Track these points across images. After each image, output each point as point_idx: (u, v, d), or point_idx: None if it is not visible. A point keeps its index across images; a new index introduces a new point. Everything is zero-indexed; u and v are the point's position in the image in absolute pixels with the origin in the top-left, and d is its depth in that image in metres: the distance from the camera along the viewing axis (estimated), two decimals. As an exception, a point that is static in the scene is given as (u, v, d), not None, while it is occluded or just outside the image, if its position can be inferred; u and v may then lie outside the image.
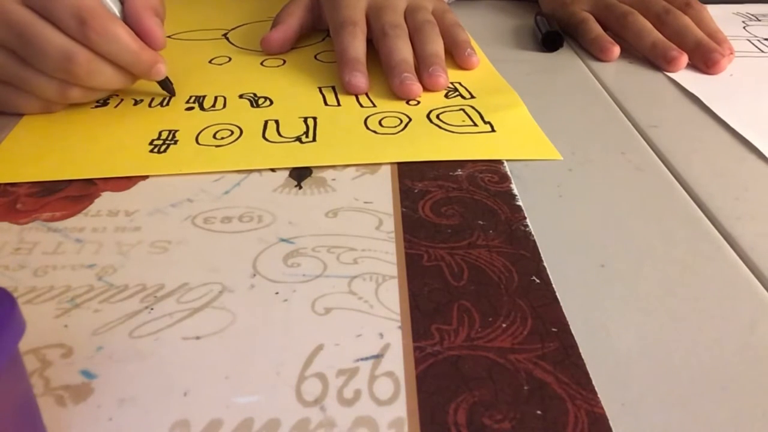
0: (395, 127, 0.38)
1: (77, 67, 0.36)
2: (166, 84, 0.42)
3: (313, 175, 0.34)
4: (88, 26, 0.35)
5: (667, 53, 0.48)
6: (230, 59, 0.50)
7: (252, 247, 0.28)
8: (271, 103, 0.42)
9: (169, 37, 0.54)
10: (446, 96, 0.43)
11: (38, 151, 0.36)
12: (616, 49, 0.50)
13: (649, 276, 0.27)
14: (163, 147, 0.36)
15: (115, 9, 0.38)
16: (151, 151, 0.36)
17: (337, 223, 0.30)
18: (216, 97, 0.43)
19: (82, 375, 0.22)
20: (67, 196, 0.32)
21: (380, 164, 0.34)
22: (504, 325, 0.24)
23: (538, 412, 0.20)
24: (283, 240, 0.29)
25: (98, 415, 0.20)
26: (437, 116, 0.40)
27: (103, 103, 0.41)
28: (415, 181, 0.33)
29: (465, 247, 0.28)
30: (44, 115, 0.40)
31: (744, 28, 0.59)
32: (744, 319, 0.25)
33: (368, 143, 0.37)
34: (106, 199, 0.32)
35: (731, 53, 0.48)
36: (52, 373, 0.22)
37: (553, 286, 0.26)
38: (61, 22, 0.35)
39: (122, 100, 0.42)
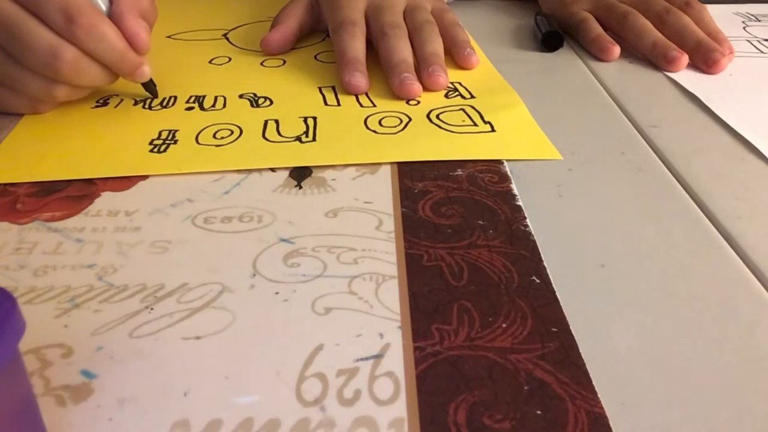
0: (395, 127, 0.38)
1: (63, 65, 0.35)
2: (149, 86, 0.41)
3: (313, 175, 0.34)
4: (76, 24, 0.34)
5: (667, 53, 0.48)
6: (230, 59, 0.50)
7: (252, 247, 0.28)
8: (271, 103, 0.42)
9: (168, 37, 0.55)
10: (446, 96, 0.43)
11: (38, 151, 0.36)
12: (617, 49, 0.50)
13: (649, 276, 0.27)
14: (163, 147, 0.36)
15: (103, 7, 0.37)
16: (151, 150, 0.36)
17: (337, 223, 0.30)
18: (216, 97, 0.43)
19: (82, 375, 0.22)
20: (67, 196, 0.32)
21: (380, 164, 0.34)
22: (504, 325, 0.24)
23: (538, 412, 0.20)
24: (283, 240, 0.29)
25: (98, 415, 0.20)
26: (437, 116, 0.40)
27: (103, 103, 0.41)
28: (415, 181, 0.33)
29: (465, 247, 0.28)
30: (44, 115, 0.40)
31: (744, 28, 0.59)
32: (744, 319, 0.25)
33: (368, 143, 0.37)
34: (106, 199, 0.32)
35: (731, 53, 0.48)
36: (52, 373, 0.22)
37: (553, 286, 0.26)
38: (48, 18, 0.34)
39: (122, 100, 0.42)
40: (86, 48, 0.36)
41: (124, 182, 0.33)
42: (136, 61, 0.38)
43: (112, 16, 0.37)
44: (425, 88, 0.43)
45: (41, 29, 0.35)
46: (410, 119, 0.39)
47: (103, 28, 0.35)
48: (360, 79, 0.43)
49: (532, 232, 0.29)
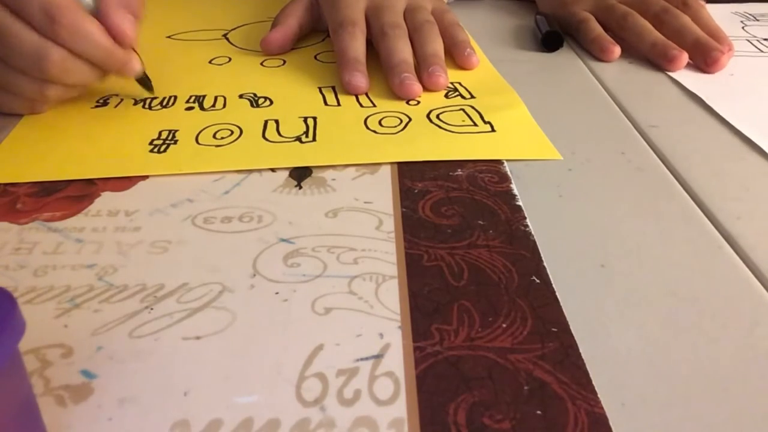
0: (395, 127, 0.38)
1: (51, 66, 0.35)
2: (144, 81, 0.41)
3: (313, 175, 0.34)
4: (58, 24, 0.34)
5: (667, 52, 0.48)
6: (230, 59, 0.50)
7: (252, 247, 0.28)
8: (271, 103, 0.42)
9: (168, 37, 0.55)
10: (446, 96, 0.43)
11: (38, 151, 0.36)
12: (617, 49, 0.50)
13: (649, 276, 0.27)
14: (163, 147, 0.36)
15: (91, 2, 0.37)
16: (151, 151, 0.36)
17: (337, 223, 0.30)
18: (216, 97, 0.43)
19: (82, 375, 0.22)
20: (67, 196, 0.32)
21: (380, 164, 0.34)
22: (504, 325, 0.24)
23: (538, 412, 0.20)
24: (283, 240, 0.29)
25: (98, 415, 0.20)
26: (437, 116, 0.40)
27: (103, 103, 0.41)
28: (415, 181, 0.33)
29: (465, 247, 0.28)
30: (44, 115, 0.40)
31: (743, 28, 0.59)
32: (744, 319, 0.25)
33: (368, 143, 0.37)
34: (106, 199, 0.32)
35: (731, 50, 0.48)
36: (52, 373, 0.22)
37: (553, 286, 0.26)
38: (32, 19, 0.34)
39: (122, 100, 0.42)
40: (71, 47, 0.35)
41: (124, 182, 0.33)
42: (124, 57, 0.38)
43: (98, 11, 0.37)
44: (425, 88, 0.43)
45: (26, 31, 0.34)
46: (410, 119, 0.39)
47: (86, 26, 0.35)
48: (360, 79, 0.43)
49: (532, 232, 0.29)
